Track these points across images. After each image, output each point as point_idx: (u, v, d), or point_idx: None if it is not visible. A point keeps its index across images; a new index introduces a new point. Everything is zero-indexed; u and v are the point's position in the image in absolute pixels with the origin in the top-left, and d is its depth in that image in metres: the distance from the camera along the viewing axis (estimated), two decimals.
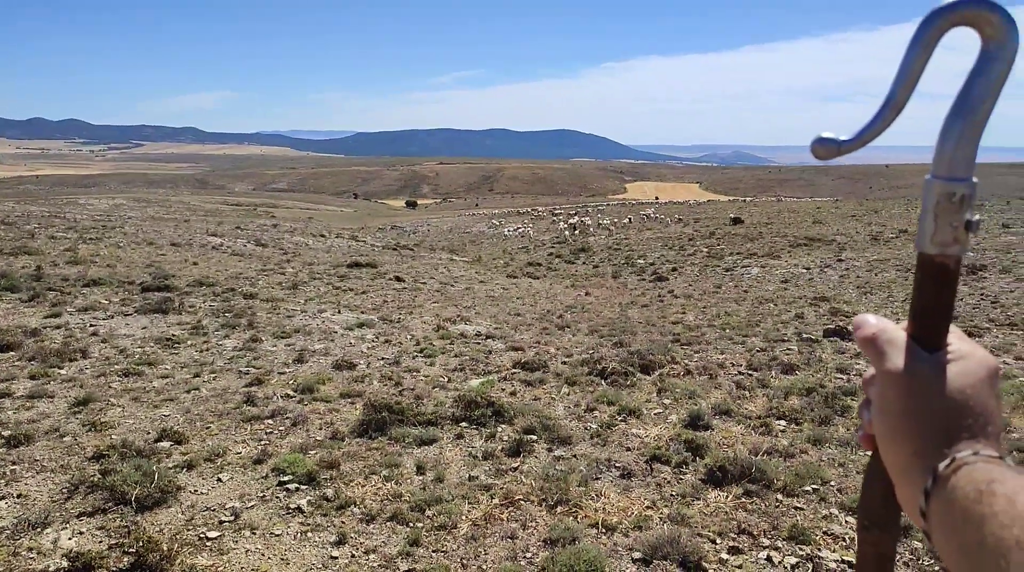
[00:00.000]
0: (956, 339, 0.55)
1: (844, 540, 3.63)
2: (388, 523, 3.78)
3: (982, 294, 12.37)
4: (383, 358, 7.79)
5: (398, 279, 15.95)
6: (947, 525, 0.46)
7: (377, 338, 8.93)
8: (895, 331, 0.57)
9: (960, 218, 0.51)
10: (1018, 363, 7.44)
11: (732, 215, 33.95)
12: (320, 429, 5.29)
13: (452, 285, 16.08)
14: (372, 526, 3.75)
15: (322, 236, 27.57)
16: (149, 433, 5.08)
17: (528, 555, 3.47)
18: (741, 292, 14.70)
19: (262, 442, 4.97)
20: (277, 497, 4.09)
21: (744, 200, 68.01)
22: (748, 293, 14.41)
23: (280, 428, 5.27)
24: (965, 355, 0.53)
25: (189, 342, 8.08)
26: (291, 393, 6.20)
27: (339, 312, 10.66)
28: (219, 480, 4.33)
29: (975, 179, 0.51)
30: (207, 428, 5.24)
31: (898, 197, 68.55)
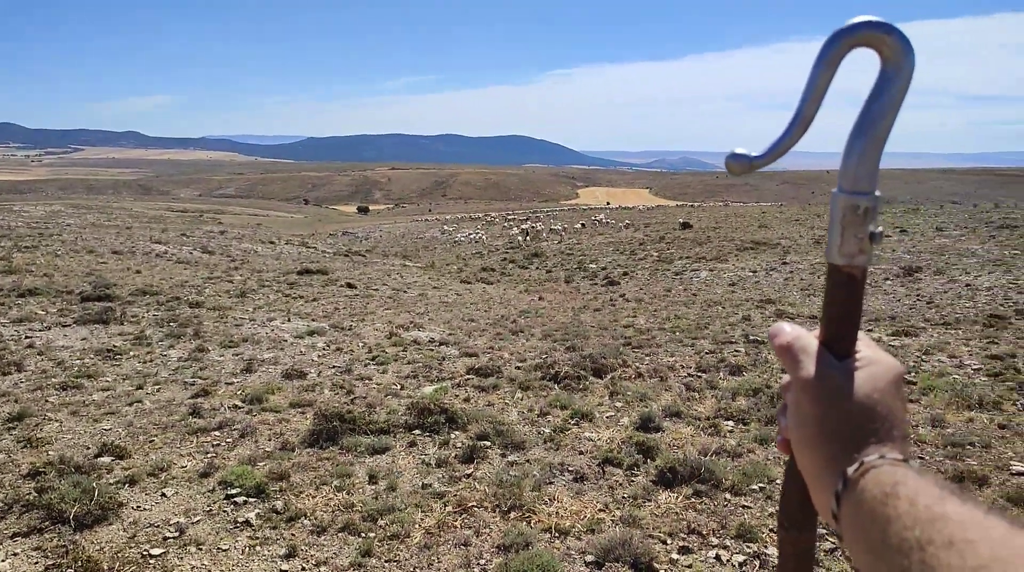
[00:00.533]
0: (864, 346, 0.57)
1: None
2: (340, 534, 3.72)
3: (918, 295, 12.87)
4: (334, 366, 7.69)
5: (350, 286, 15.76)
6: (856, 526, 0.48)
7: (328, 346, 8.81)
8: (808, 339, 0.59)
9: (864, 230, 0.53)
10: (952, 361, 7.75)
11: (681, 220, 34.58)
12: (269, 440, 5.19)
13: (405, 291, 15.96)
14: (323, 538, 3.69)
15: (271, 243, 27.07)
16: (89, 448, 4.90)
17: (482, 562, 3.47)
18: (690, 295, 14.97)
19: (209, 455, 4.85)
20: (224, 511, 3.99)
21: (692, 205, 69.37)
22: (697, 296, 14.68)
23: (228, 440, 5.15)
24: (872, 361, 0.56)
25: (132, 353, 7.83)
26: (239, 404, 6.06)
27: (289, 320, 10.47)
28: (163, 495, 4.20)
29: (878, 193, 0.54)
30: (150, 442, 5.09)
31: None
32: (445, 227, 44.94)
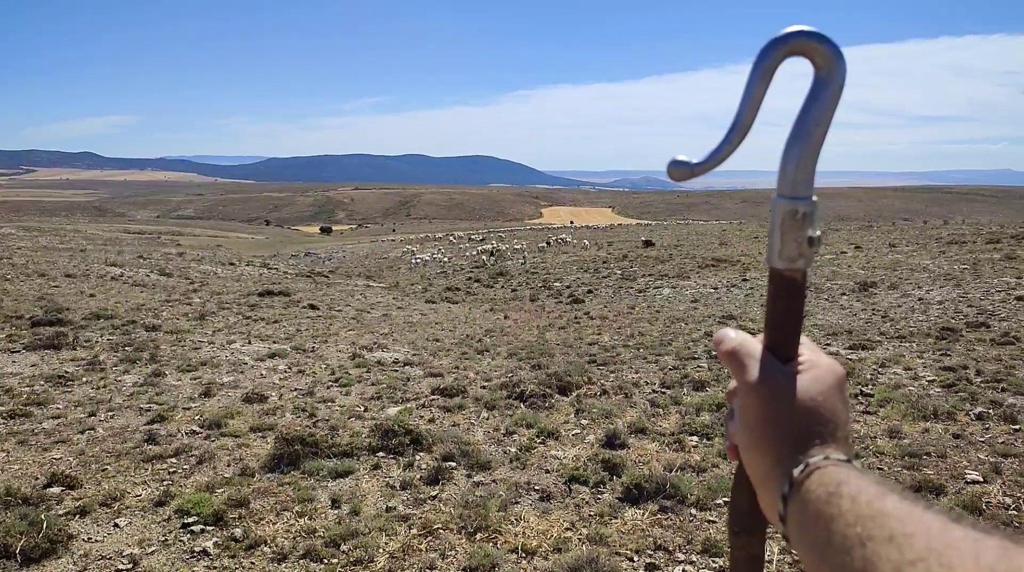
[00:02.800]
0: (806, 349, 0.58)
1: None
2: (301, 561, 3.63)
3: (873, 309, 13.18)
4: (296, 389, 7.55)
5: (312, 307, 15.55)
6: (802, 527, 0.49)
7: (290, 368, 8.65)
8: (753, 344, 0.60)
9: (803, 234, 0.55)
10: (907, 373, 7.94)
11: (644, 238, 35.02)
12: (228, 466, 5.05)
13: (369, 312, 15.80)
14: (284, 565, 3.60)
15: (232, 264, 26.61)
16: (38, 479, 4.71)
17: None
18: (654, 312, 15.11)
19: (164, 482, 4.70)
20: (181, 540, 3.87)
21: (654, 223, 70.33)
22: (660, 313, 14.83)
23: (185, 467, 5.01)
24: (815, 364, 0.57)
25: (84, 379, 7.59)
26: (197, 429, 5.90)
27: (249, 342, 10.28)
28: (116, 525, 4.06)
29: (815, 198, 0.55)
30: (103, 470, 4.92)
31: None
32: (410, 247, 44.77)
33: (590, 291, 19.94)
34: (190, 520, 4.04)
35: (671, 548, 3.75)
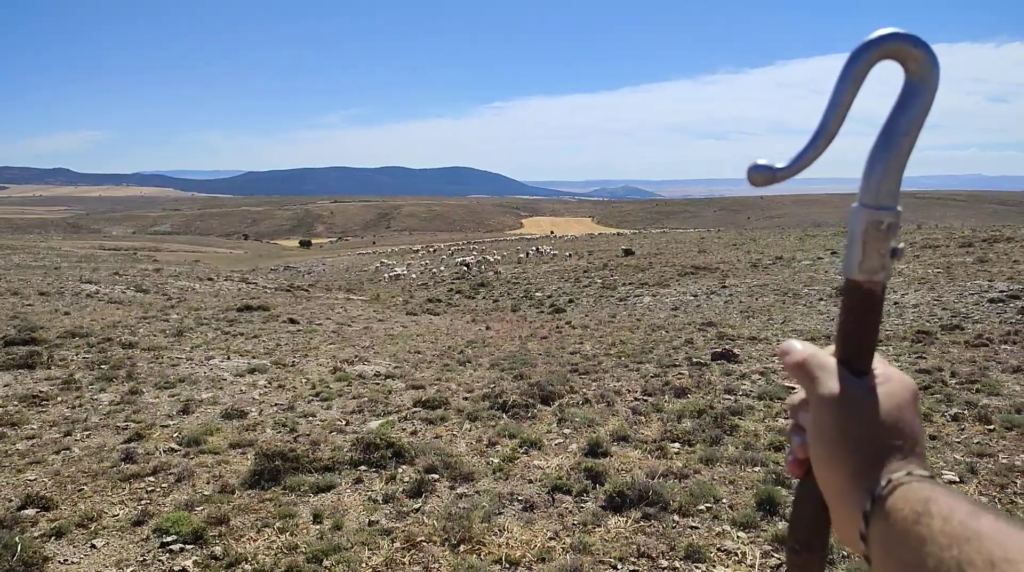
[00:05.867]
0: (878, 363, 0.57)
1: (736, 555, 3.77)
2: None
3: None
4: (276, 404, 7.48)
5: (292, 321, 15.43)
6: (887, 547, 0.47)
7: (270, 384, 8.58)
8: (824, 356, 0.58)
9: (887, 246, 0.53)
10: None
11: (624, 247, 35.21)
12: (208, 483, 4.99)
13: (350, 325, 15.71)
14: None
15: (210, 279, 26.36)
16: (12, 500, 4.62)
17: None
18: (635, 320, 15.17)
19: (142, 501, 4.63)
20: (159, 560, 3.81)
21: (634, 232, 70.80)
22: (641, 321, 14.90)
23: (163, 485, 4.94)
24: (890, 378, 0.56)
25: (59, 398, 7.46)
26: (175, 447, 5.83)
27: (228, 358, 10.17)
28: (93, 547, 3.99)
29: (899, 208, 0.54)
30: (79, 491, 4.83)
31: (772, 226, 73.34)
32: (390, 259, 44.63)
33: (571, 301, 19.99)
34: (169, 539, 3.98)
35: (654, 555, 3.76)
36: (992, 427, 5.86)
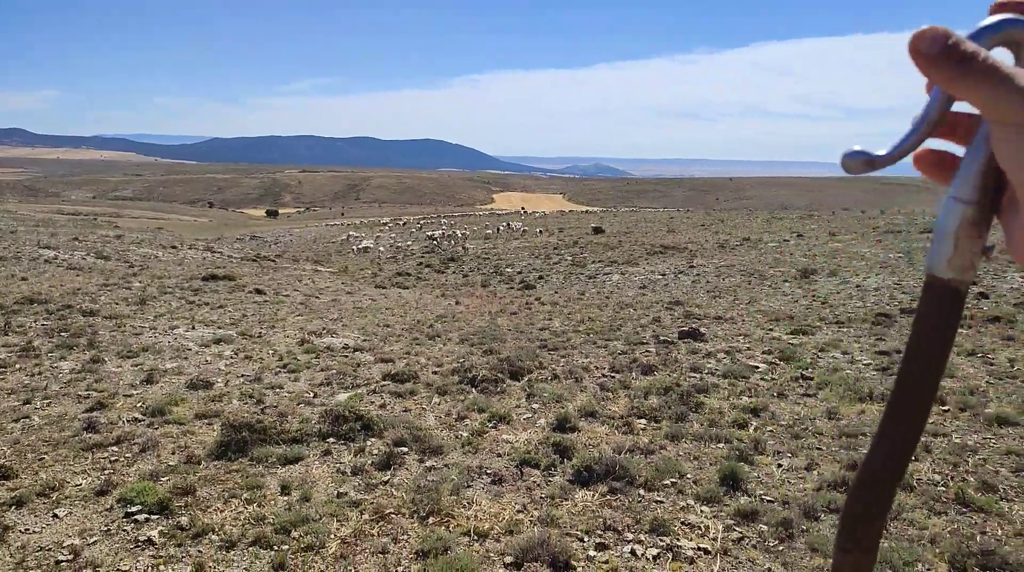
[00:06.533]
0: None
1: (700, 529, 3.87)
2: (250, 548, 3.59)
3: (813, 295, 13.62)
4: (243, 375, 7.41)
5: (258, 292, 15.23)
6: None
7: (236, 354, 8.48)
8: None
9: (980, 244, 0.50)
10: (845, 357, 8.25)
11: (594, 225, 35.33)
12: (173, 454, 4.94)
13: (317, 297, 15.57)
14: (233, 553, 3.55)
15: (173, 247, 25.83)
16: None
17: (400, 568, 3.42)
18: (603, 298, 15.29)
19: (106, 471, 4.57)
20: (124, 530, 3.77)
21: (604, 210, 71.05)
22: (610, 299, 15.02)
23: (127, 455, 4.87)
24: None
25: (18, 366, 7.29)
26: (139, 417, 5.74)
27: (193, 328, 10.01)
28: (55, 516, 3.93)
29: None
30: (40, 460, 4.75)
31: (741, 208, 74.19)
32: (359, 231, 44.16)
33: (541, 277, 20.05)
34: (134, 509, 3.94)
35: (620, 528, 3.83)
36: (947, 408, 6.05)
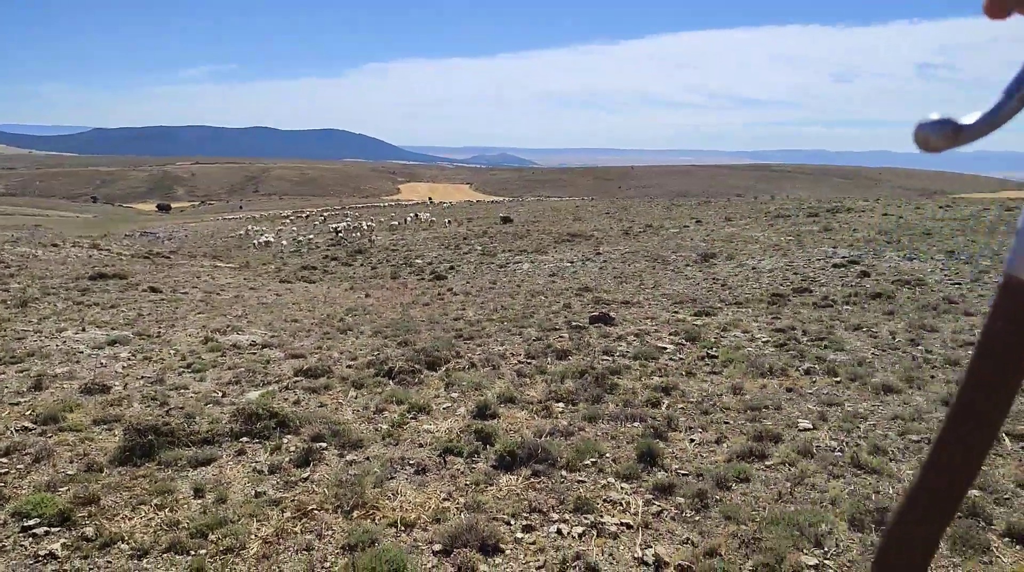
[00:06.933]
0: None
1: (621, 505, 4.00)
2: (165, 555, 3.42)
3: (714, 278, 14.25)
4: (143, 377, 7.03)
5: (154, 290, 14.45)
6: None
7: (134, 356, 8.03)
8: None
9: None
10: (745, 336, 8.69)
11: (502, 214, 35.52)
12: (71, 462, 4.63)
13: (219, 293, 14.92)
14: (146, 561, 3.37)
15: (55, 245, 24.05)
16: None
17: (326, 564, 3.36)
18: (515, 286, 15.42)
19: None
20: (22, 545, 3.51)
21: (511, 200, 71.56)
22: (521, 287, 15.17)
23: (19, 466, 4.53)
24: None
25: None
26: (29, 425, 5.35)
27: (84, 330, 9.40)
28: None
29: None
30: None
31: (643, 196, 76.45)
32: (260, 224, 42.56)
33: (452, 267, 19.99)
34: (31, 523, 3.67)
35: (545, 509, 3.91)
36: (839, 379, 6.50)
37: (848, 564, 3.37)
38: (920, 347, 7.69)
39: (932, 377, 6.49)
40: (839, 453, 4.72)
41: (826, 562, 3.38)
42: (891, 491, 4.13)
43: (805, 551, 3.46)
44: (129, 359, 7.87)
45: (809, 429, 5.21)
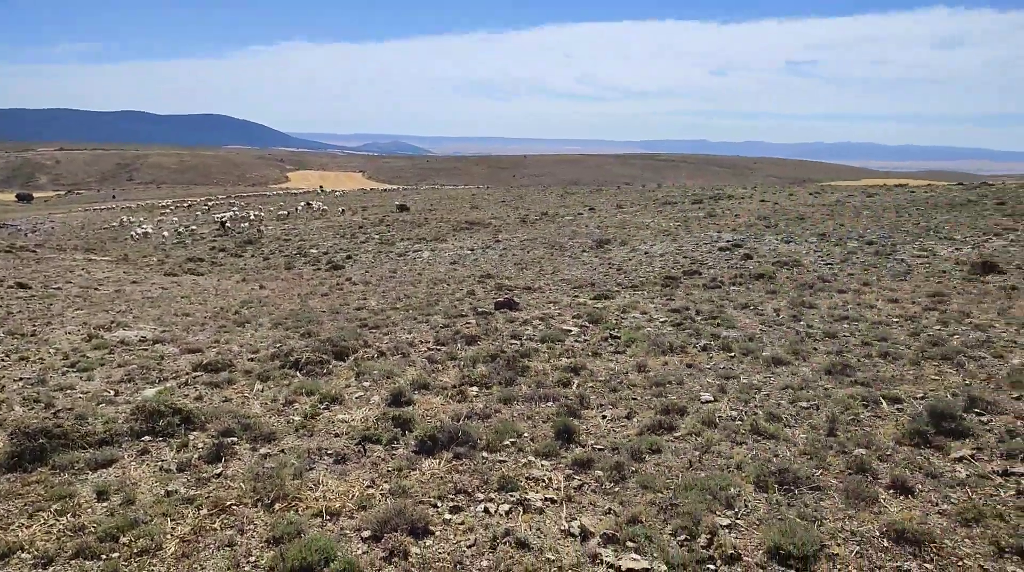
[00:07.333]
0: None
1: (544, 481, 4.12)
2: (72, 561, 3.23)
3: (609, 263, 14.74)
4: (21, 378, 6.52)
5: (22, 286, 13.34)
6: None
7: (8, 356, 7.42)
8: None
9: None
10: (644, 317, 9.06)
11: (398, 203, 35.05)
12: None
13: (97, 288, 13.95)
14: (52, 569, 3.17)
15: None
16: None
17: (252, 559, 3.28)
18: (416, 275, 15.33)
19: None
20: None
21: (405, 188, 70.65)
22: (422, 275, 15.10)
23: None
24: None
25: None
26: None
27: None
28: None
29: None
30: None
31: (537, 184, 77.48)
32: (138, 215, 39.91)
33: (349, 257, 19.58)
34: None
35: (470, 490, 3.97)
36: (733, 354, 6.93)
37: (757, 522, 3.64)
38: (802, 322, 8.31)
39: (815, 349, 7.04)
40: (739, 422, 5.06)
41: (737, 521, 3.64)
42: (788, 454, 4.47)
43: (718, 513, 3.70)
44: (3, 359, 7.26)
45: (711, 401, 5.53)
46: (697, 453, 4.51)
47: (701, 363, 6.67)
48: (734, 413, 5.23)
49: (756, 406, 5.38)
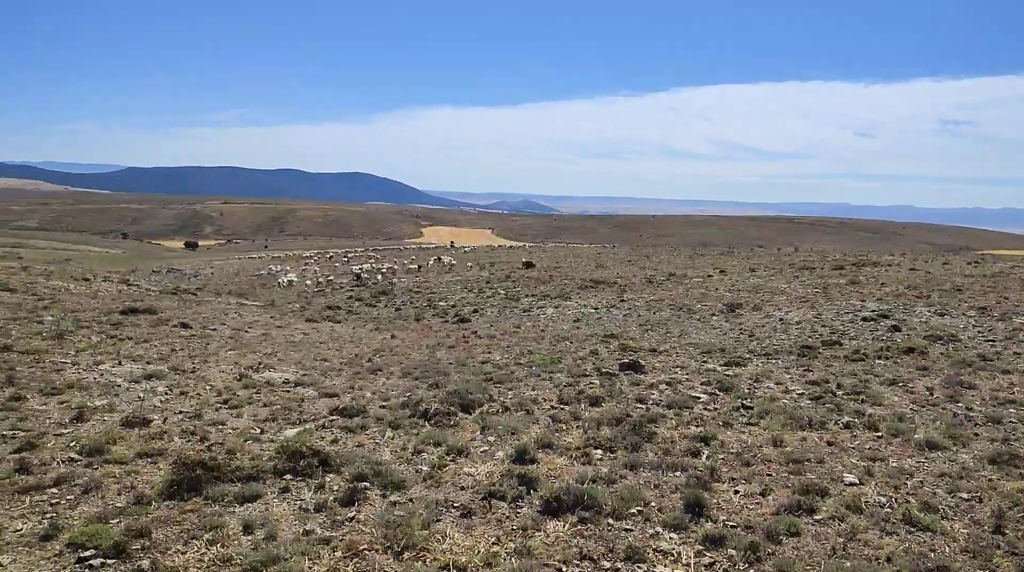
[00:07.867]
0: None
1: (672, 555, 3.96)
2: None
3: (740, 329, 14.18)
4: (181, 412, 7.11)
5: (184, 326, 14.64)
6: None
7: (171, 390, 8.13)
8: None
9: None
10: (779, 387, 8.61)
11: (524, 260, 35.72)
12: (119, 494, 4.68)
13: (246, 331, 15.08)
14: None
15: (86, 279, 24.50)
16: None
17: None
18: (539, 331, 15.43)
19: (47, 515, 4.29)
20: None
21: (532, 245, 71.94)
22: (545, 332, 15.17)
23: (68, 497, 4.59)
24: None
25: None
26: (75, 456, 5.42)
27: (120, 363, 9.53)
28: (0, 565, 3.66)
29: None
30: None
31: (664, 244, 76.57)
32: (285, 264, 43.11)
33: (476, 310, 20.08)
34: (87, 554, 3.71)
35: (595, 556, 3.88)
36: (880, 434, 6.41)
37: None
38: (960, 404, 7.58)
39: (976, 435, 6.39)
40: (889, 509, 4.64)
41: None
42: (947, 550, 4.05)
43: None
44: (166, 393, 7.96)
45: (856, 484, 5.13)
46: (841, 540, 4.17)
47: (843, 441, 6.22)
48: (882, 499, 4.81)
49: (908, 493, 4.92)
